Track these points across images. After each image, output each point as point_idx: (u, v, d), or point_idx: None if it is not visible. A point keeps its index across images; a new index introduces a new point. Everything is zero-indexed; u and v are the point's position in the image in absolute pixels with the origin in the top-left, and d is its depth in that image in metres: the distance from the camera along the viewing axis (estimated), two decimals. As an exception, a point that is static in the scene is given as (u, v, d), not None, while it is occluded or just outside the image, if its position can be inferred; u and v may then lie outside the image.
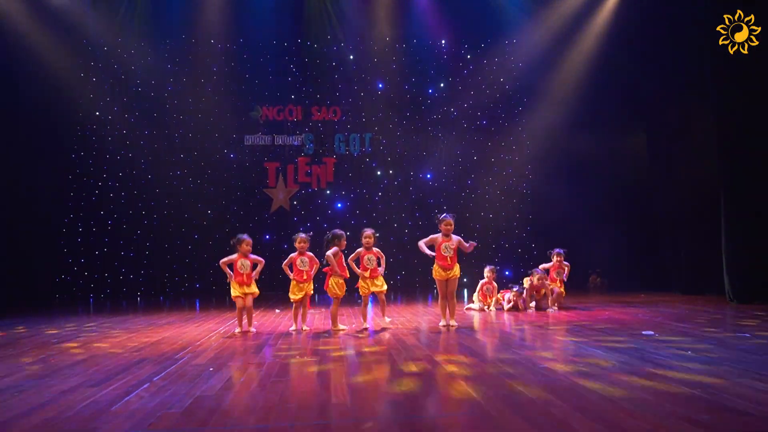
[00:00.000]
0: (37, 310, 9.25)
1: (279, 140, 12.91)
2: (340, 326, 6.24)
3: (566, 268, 8.15)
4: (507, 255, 12.97)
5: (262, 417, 2.87)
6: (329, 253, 6.12)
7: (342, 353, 4.73)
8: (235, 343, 5.39)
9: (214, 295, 11.76)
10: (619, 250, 12.10)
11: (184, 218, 12.45)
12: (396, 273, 12.50)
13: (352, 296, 9.10)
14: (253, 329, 6.23)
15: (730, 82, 8.28)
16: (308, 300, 6.43)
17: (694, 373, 3.55)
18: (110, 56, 12.29)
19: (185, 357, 4.64)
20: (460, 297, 9.77)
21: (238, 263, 6.18)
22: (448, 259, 6.22)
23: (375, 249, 6.35)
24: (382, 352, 4.73)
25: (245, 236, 6.29)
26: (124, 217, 12.38)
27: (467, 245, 6.26)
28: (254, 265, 6.31)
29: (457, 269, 6.28)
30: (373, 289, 6.27)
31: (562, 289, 8.06)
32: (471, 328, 6.19)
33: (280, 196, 12.94)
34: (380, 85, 13.21)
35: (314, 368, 4.09)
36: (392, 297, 10.54)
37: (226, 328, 6.52)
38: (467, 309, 8.19)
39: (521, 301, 7.98)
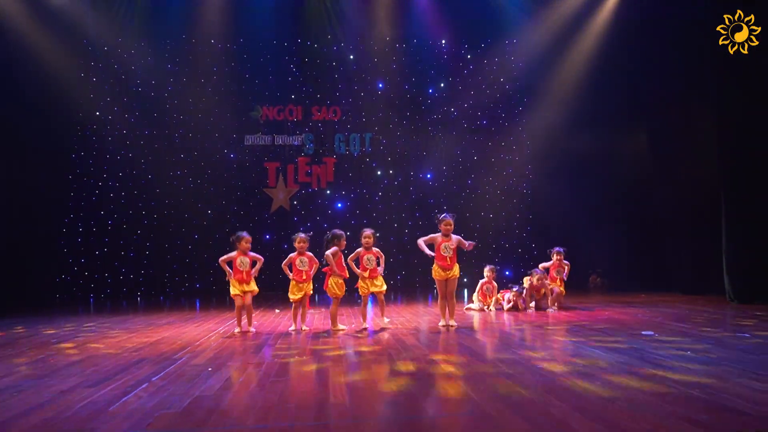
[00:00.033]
0: (37, 311, 9.25)
1: (279, 140, 12.91)
2: (340, 326, 6.23)
3: (566, 267, 8.15)
4: (507, 255, 12.96)
5: (260, 417, 2.87)
6: (328, 252, 6.12)
7: (341, 353, 4.72)
8: (235, 343, 5.38)
9: (214, 295, 11.76)
10: (619, 250, 12.09)
11: (184, 218, 12.45)
12: (396, 273, 12.50)
13: (352, 296, 9.11)
14: (252, 329, 6.23)
15: (730, 82, 8.28)
16: (308, 300, 6.43)
17: (693, 373, 3.55)
18: (110, 56, 12.29)
19: (184, 357, 4.63)
20: (460, 297, 9.76)
21: (238, 260, 6.18)
22: (448, 259, 6.21)
23: (375, 249, 6.35)
24: (381, 352, 4.72)
25: (245, 233, 6.30)
26: (124, 217, 12.38)
27: (467, 244, 6.26)
28: (253, 263, 6.31)
29: (456, 269, 6.28)
30: (373, 289, 6.27)
31: (563, 288, 8.05)
32: (470, 329, 6.18)
33: (280, 196, 12.94)
34: (380, 85, 13.21)
35: (313, 368, 4.09)
36: (392, 297, 10.54)
37: (226, 328, 6.52)
38: (467, 309, 8.18)
39: (521, 301, 7.98)
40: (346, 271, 6.25)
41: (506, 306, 7.97)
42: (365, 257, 6.29)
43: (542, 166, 12.84)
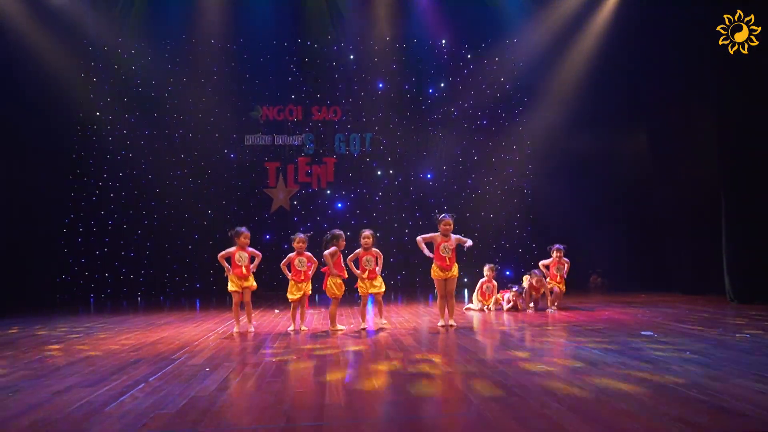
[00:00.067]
0: (37, 311, 9.25)
1: (279, 140, 12.91)
2: (339, 326, 6.23)
3: (566, 265, 8.10)
4: (507, 255, 12.95)
5: (256, 417, 2.86)
6: (326, 252, 6.12)
7: (339, 353, 4.72)
8: (233, 344, 5.38)
9: (214, 295, 11.76)
10: (619, 250, 12.07)
11: (184, 218, 12.45)
12: (396, 273, 12.49)
13: (351, 296, 9.10)
14: (252, 329, 6.22)
15: (730, 82, 8.26)
16: (306, 300, 6.43)
17: (692, 374, 3.53)
18: (110, 56, 12.29)
19: (182, 357, 4.63)
20: (459, 297, 9.75)
21: (236, 255, 6.19)
22: (447, 259, 6.21)
23: (374, 249, 6.34)
24: (379, 352, 4.72)
25: (243, 229, 6.32)
26: (124, 217, 12.38)
27: (466, 242, 6.26)
28: (252, 258, 6.32)
29: (455, 269, 6.27)
30: (371, 290, 6.26)
31: (563, 286, 8.01)
32: (470, 329, 6.17)
33: (280, 196, 12.93)
34: (380, 85, 13.20)
35: (311, 368, 4.08)
36: (392, 297, 10.53)
37: (225, 328, 6.52)
38: (466, 309, 8.17)
39: (520, 301, 7.96)
40: (345, 272, 6.25)
41: (506, 306, 7.96)
42: (364, 258, 6.29)
43: (542, 166, 12.83)
